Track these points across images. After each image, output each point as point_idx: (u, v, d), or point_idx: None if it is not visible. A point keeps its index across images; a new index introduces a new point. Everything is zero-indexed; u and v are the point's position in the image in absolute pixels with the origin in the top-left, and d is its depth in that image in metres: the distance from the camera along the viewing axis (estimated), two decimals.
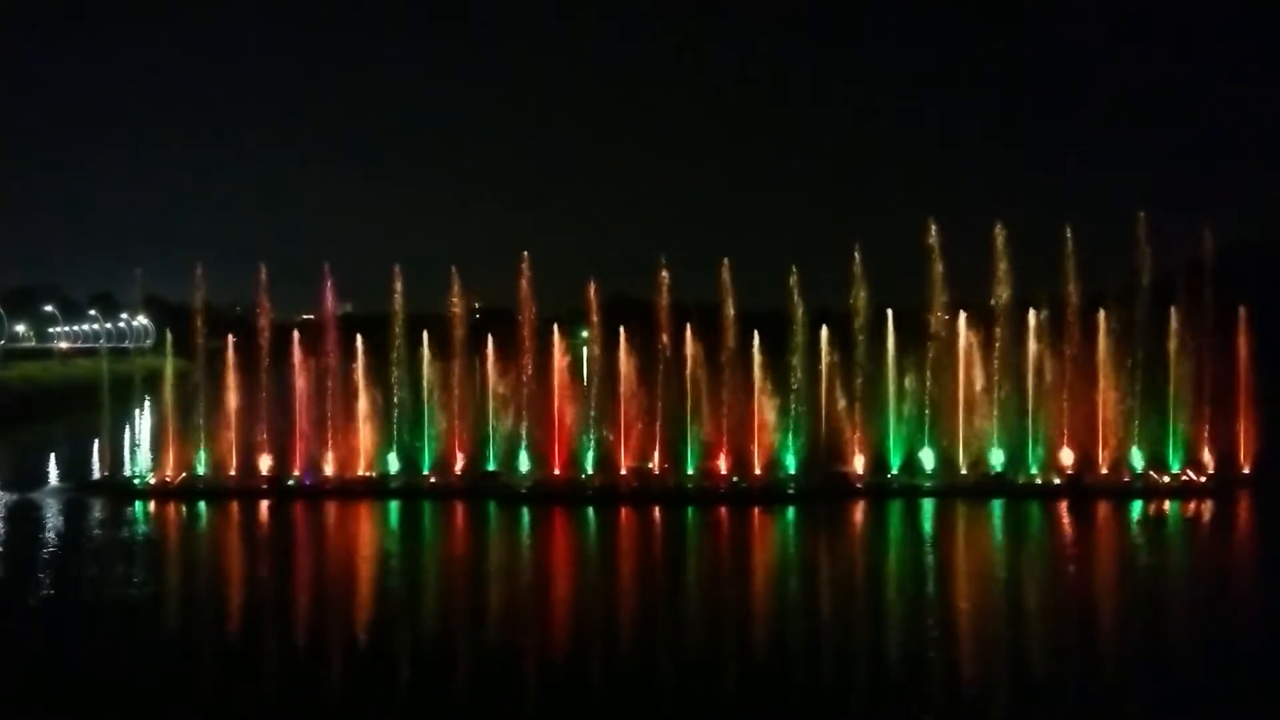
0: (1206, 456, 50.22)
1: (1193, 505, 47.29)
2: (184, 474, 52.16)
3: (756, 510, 46.97)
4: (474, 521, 46.68)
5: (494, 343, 53.97)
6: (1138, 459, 50.22)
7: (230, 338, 54.62)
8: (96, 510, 47.52)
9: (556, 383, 52.52)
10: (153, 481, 51.89)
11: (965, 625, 30.55)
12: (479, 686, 25.52)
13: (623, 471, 50.92)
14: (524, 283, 53.41)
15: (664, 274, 53.26)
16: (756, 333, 52.81)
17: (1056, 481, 49.34)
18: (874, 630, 29.68)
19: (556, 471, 51.20)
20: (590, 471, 51.12)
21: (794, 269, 53.49)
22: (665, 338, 52.83)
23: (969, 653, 28.02)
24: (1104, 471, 49.90)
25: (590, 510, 47.35)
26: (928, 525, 44.79)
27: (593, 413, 52.02)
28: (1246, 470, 50.15)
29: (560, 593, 35.03)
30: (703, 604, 33.26)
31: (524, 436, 51.97)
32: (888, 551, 41.83)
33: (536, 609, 32.40)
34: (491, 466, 52.10)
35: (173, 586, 35.95)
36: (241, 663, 27.09)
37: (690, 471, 50.73)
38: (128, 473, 53.83)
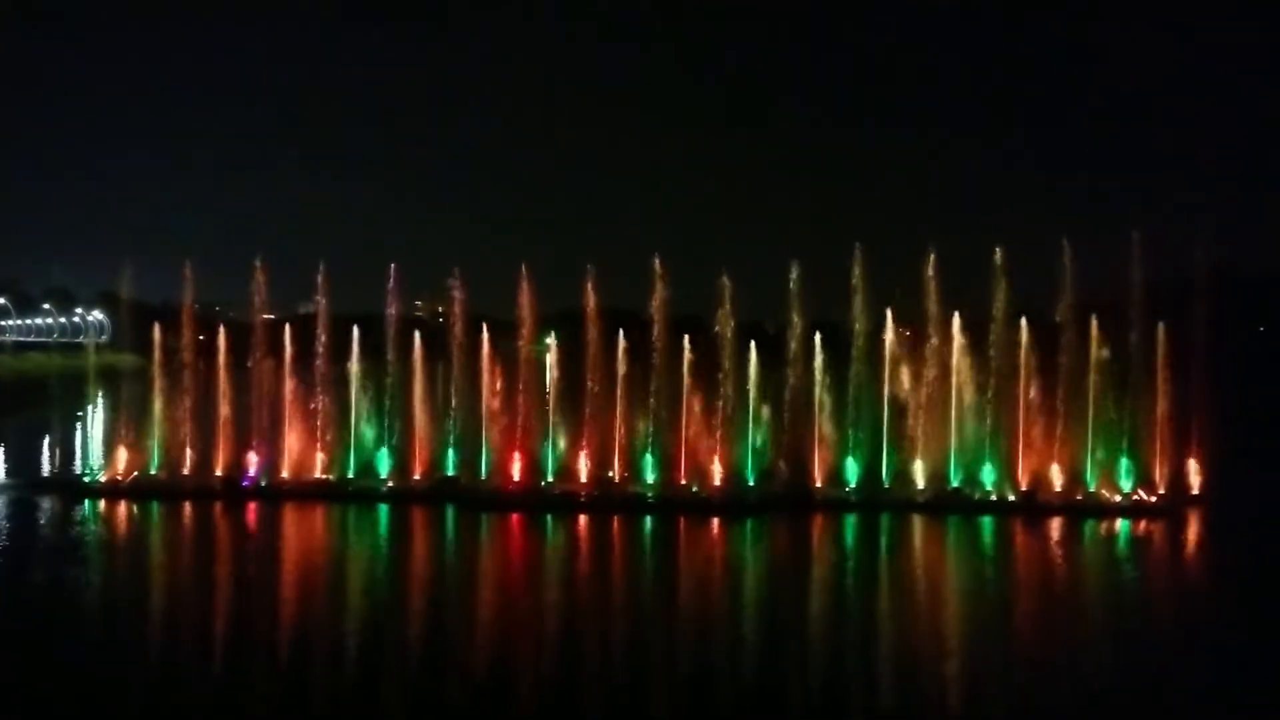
0: (1158, 476, 51.00)
1: (1143, 524, 47.98)
2: (135, 473, 51.33)
3: (715, 521, 47.00)
4: (428, 527, 46.28)
5: (459, 347, 53.63)
6: (1091, 477, 50.93)
7: (186, 334, 53.84)
8: (43, 508, 46.62)
9: (522, 389, 52.35)
10: (103, 480, 50.99)
11: (897, 642, 30.69)
12: (400, 695, 25.30)
13: (583, 479, 50.82)
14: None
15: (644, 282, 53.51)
16: (727, 344, 52.93)
17: (1011, 498, 49.92)
18: (799, 646, 29.84)
19: (516, 478, 50.98)
20: (550, 479, 50.97)
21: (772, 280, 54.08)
22: (628, 346, 52.86)
23: (905, 668, 28.24)
24: (1058, 489, 50.54)
25: (549, 518, 47.13)
26: (882, 540, 45.12)
27: (553, 420, 51.85)
28: (1197, 490, 50.97)
29: (500, 604, 34.44)
30: (643, 617, 32.99)
31: (485, 442, 51.74)
32: (840, 566, 41.92)
33: (469, 619, 31.95)
34: (451, 471, 51.80)
35: (105, 588, 35.31)
36: (163, 668, 26.89)
37: (651, 481, 50.73)
38: (78, 470, 52.78)
